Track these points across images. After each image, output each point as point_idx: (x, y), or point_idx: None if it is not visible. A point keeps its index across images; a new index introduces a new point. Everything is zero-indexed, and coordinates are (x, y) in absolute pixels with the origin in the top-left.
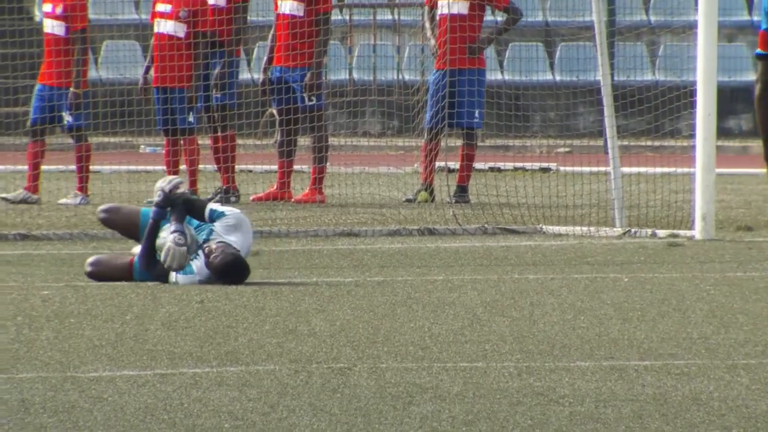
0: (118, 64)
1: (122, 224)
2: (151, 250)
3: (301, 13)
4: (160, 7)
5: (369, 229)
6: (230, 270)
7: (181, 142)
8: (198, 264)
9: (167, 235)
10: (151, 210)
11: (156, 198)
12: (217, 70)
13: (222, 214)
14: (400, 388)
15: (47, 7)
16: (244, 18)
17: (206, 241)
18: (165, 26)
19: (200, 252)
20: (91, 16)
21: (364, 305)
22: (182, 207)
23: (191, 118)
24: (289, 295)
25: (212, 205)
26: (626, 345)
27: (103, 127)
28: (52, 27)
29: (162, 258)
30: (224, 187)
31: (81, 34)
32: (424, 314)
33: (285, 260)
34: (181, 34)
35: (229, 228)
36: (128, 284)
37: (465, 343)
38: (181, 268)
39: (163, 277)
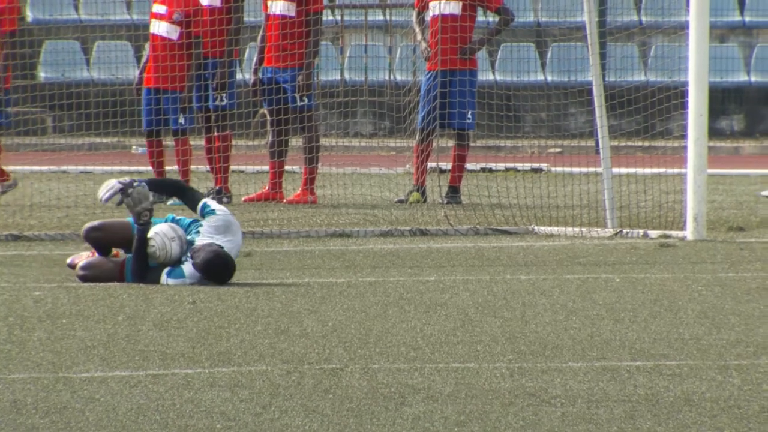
0: (109, 65)
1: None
2: (142, 263)
3: (293, 14)
4: (156, 8)
5: (361, 230)
6: (213, 267)
7: (173, 143)
8: (189, 268)
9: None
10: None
11: (143, 218)
12: (218, 73)
13: (212, 212)
14: (392, 388)
15: None
16: (240, 18)
17: (192, 242)
18: (159, 28)
19: (189, 254)
20: (83, 16)
21: (356, 306)
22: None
23: (182, 120)
24: (281, 295)
25: (207, 200)
26: (618, 345)
27: (95, 127)
28: None
29: (152, 249)
30: (217, 188)
31: (10, 38)
32: (416, 315)
33: (277, 261)
34: (174, 36)
35: (218, 228)
36: (120, 285)
37: (457, 343)
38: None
39: (155, 283)
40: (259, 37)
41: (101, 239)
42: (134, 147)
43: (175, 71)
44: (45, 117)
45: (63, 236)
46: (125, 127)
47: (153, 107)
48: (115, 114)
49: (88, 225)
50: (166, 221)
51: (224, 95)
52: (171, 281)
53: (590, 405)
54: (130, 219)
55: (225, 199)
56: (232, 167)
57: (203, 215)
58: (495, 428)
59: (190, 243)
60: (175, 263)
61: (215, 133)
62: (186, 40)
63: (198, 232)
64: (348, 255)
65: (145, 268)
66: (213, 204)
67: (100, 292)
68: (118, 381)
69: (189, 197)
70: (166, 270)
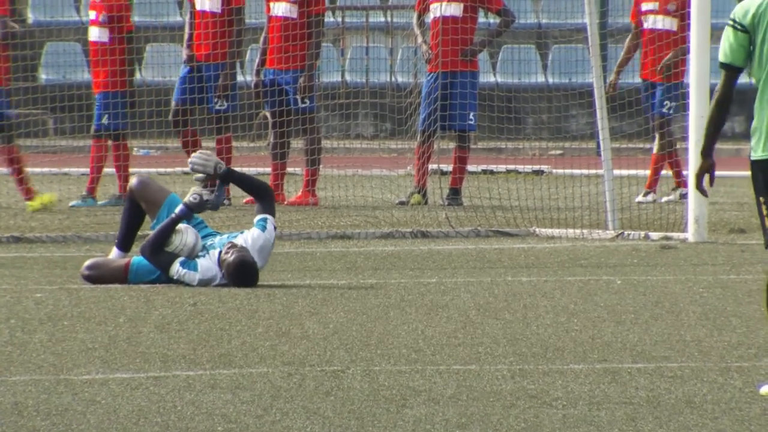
0: None
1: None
2: (162, 240)
3: (295, 15)
4: (90, 15)
5: (362, 232)
6: (243, 270)
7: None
8: (204, 264)
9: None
10: (180, 205)
11: (190, 199)
12: (221, 76)
13: (263, 228)
14: (394, 390)
15: None
16: (242, 20)
17: (206, 248)
18: (92, 33)
19: (209, 252)
20: (84, 18)
21: (357, 308)
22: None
23: (105, 120)
24: (282, 297)
25: (269, 218)
26: (619, 347)
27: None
28: None
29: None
30: None
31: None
32: (417, 317)
33: (278, 263)
34: (105, 39)
35: (256, 243)
36: (121, 287)
37: (458, 345)
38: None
39: (164, 268)
40: (261, 39)
41: (146, 186)
42: (135, 149)
43: (107, 72)
44: (46, 119)
45: (64, 238)
46: (126, 129)
47: (110, 111)
48: (116, 116)
49: (140, 177)
50: (189, 223)
51: (224, 99)
52: (182, 271)
53: (591, 407)
54: (173, 195)
55: (226, 201)
56: (234, 169)
57: (255, 224)
58: (496, 430)
59: (207, 246)
60: (189, 256)
61: (216, 136)
62: (118, 45)
63: (234, 236)
64: (349, 257)
65: (164, 240)
66: (269, 225)
67: (101, 294)
68: (119, 383)
69: (263, 204)
70: (180, 259)
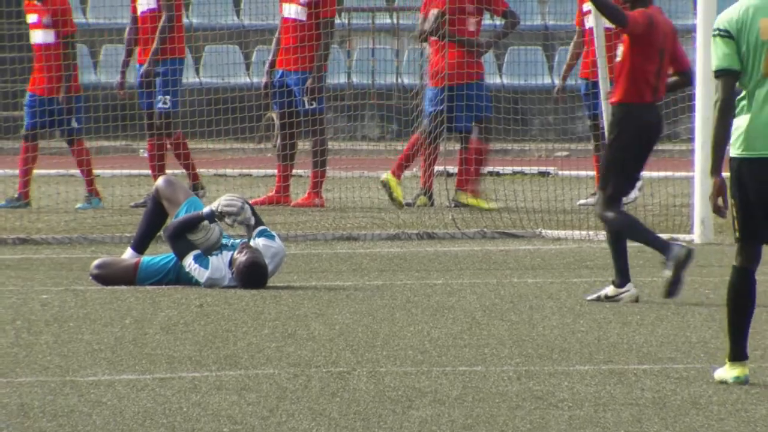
0: (117, 69)
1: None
2: (188, 228)
3: (304, 18)
4: (30, 19)
5: (368, 233)
6: (253, 270)
7: (69, 147)
8: (215, 263)
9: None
10: (204, 209)
11: (218, 211)
12: (144, 70)
13: (272, 238)
14: (400, 392)
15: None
16: (170, 17)
17: (225, 246)
18: (35, 36)
19: (222, 253)
20: (90, 20)
21: (363, 309)
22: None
23: (75, 124)
24: (288, 299)
25: (268, 229)
26: (625, 349)
27: (103, 131)
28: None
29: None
30: (193, 183)
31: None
32: (423, 318)
33: (284, 264)
34: (51, 40)
35: (268, 251)
36: (127, 288)
37: (464, 347)
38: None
39: (180, 254)
40: (273, 40)
41: (172, 185)
42: (141, 150)
43: (54, 80)
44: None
45: (70, 239)
46: (133, 131)
47: (37, 109)
48: (123, 117)
49: (167, 177)
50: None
51: (168, 98)
52: (195, 265)
53: (597, 408)
54: (195, 197)
55: (200, 192)
56: (240, 171)
57: (259, 235)
58: (502, 431)
59: (228, 244)
60: (206, 252)
61: (164, 136)
62: (63, 49)
63: (246, 241)
64: (355, 258)
65: (189, 229)
66: (275, 234)
67: (107, 295)
68: (125, 384)
69: (257, 221)
70: (195, 253)
